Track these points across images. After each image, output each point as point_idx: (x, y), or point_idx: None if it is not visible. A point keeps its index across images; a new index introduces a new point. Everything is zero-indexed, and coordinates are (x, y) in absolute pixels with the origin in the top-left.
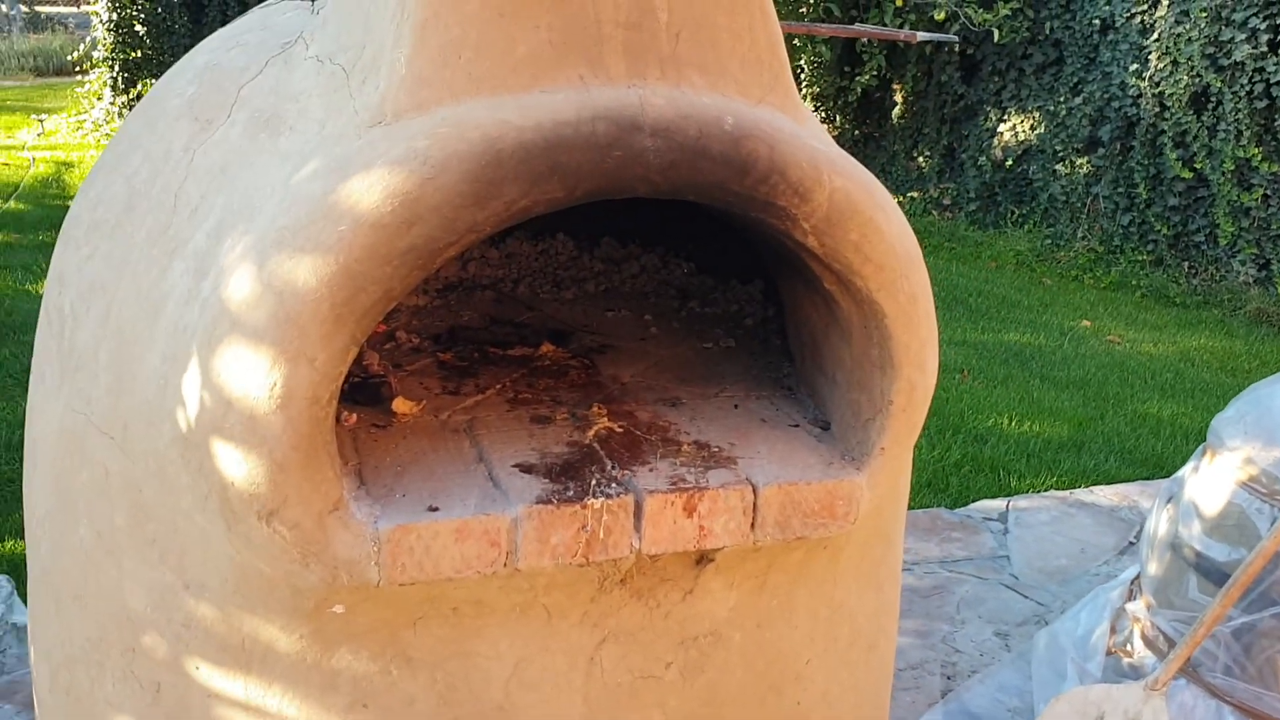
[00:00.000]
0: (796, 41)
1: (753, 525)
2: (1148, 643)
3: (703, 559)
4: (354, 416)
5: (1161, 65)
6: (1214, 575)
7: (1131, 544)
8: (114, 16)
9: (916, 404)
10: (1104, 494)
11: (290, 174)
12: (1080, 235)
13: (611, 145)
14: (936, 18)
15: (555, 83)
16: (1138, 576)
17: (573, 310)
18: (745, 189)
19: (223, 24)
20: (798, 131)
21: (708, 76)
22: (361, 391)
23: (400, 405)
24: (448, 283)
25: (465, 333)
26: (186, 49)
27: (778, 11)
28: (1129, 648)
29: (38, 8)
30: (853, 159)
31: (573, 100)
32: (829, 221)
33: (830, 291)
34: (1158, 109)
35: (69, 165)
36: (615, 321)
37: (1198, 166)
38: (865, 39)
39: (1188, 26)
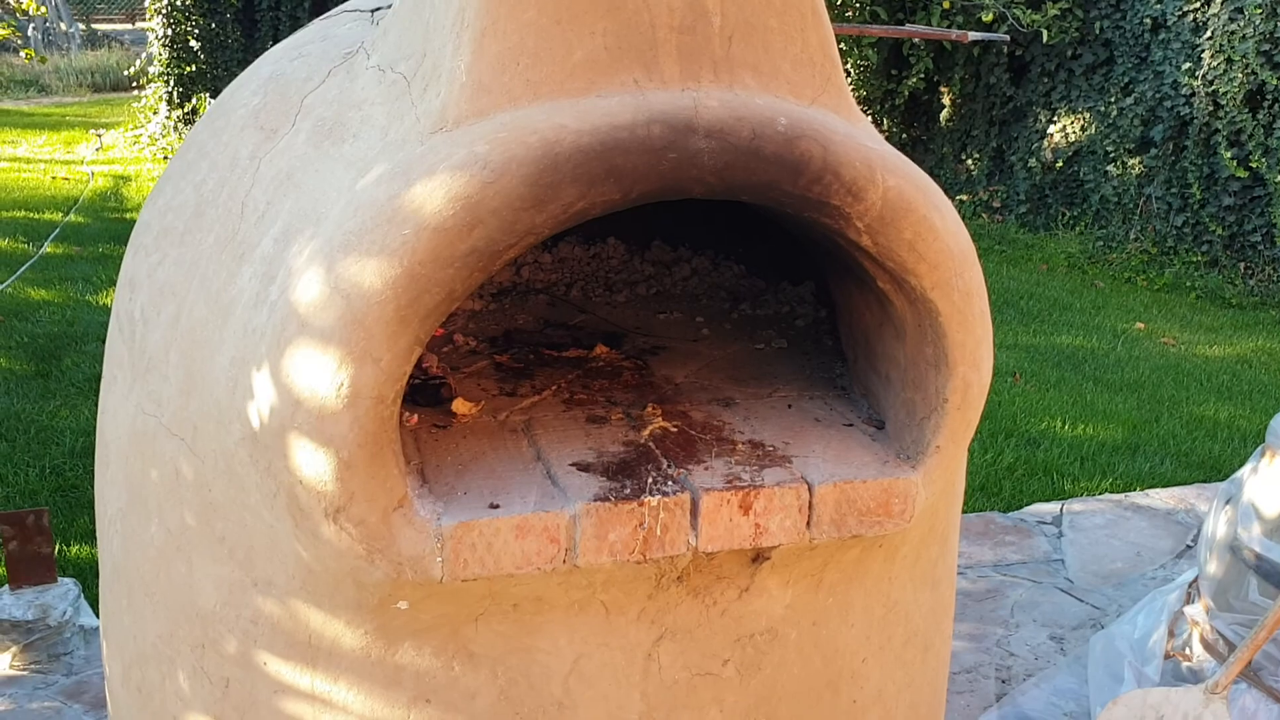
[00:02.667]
0: (843, 45)
1: (808, 523)
2: (1207, 646)
3: (759, 557)
4: (415, 417)
5: (1215, 63)
6: (1275, 577)
7: (1189, 547)
8: (169, 32)
9: (971, 402)
10: (1160, 497)
11: (355, 180)
12: (1133, 236)
13: (666, 147)
14: (984, 19)
15: (610, 87)
16: (1195, 579)
17: (625, 313)
18: (799, 189)
19: (275, 38)
20: (851, 131)
21: (761, 78)
22: (422, 393)
23: (460, 406)
24: (502, 287)
25: (520, 335)
26: (240, 63)
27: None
28: (1187, 651)
29: (95, 25)
30: (906, 158)
31: (628, 104)
32: (882, 220)
33: (884, 290)
34: (1212, 107)
35: (126, 179)
36: (667, 323)
37: (1253, 165)
38: (913, 41)
39: (1242, 23)
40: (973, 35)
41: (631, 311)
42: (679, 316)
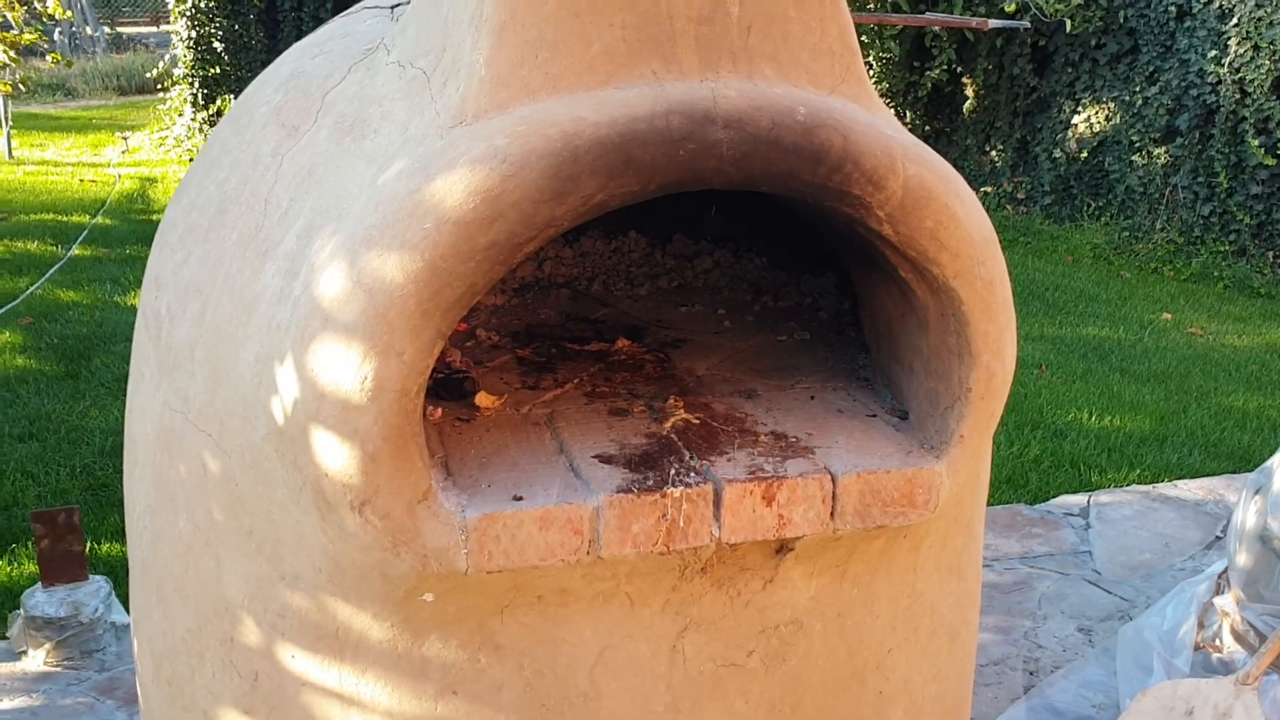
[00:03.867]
0: (864, 37)
1: (832, 514)
2: (1237, 637)
3: (782, 548)
4: (439, 411)
5: (1242, 50)
6: None
7: (1218, 538)
8: (193, 35)
9: (995, 391)
10: (1188, 488)
11: (376, 175)
12: (1159, 227)
13: (685, 138)
14: (1007, 9)
15: (629, 78)
16: (1225, 570)
17: (646, 306)
18: (819, 178)
19: (298, 39)
20: (871, 120)
21: (779, 68)
22: (445, 387)
23: (483, 399)
24: (524, 282)
25: (543, 329)
26: (263, 64)
27: (848, 4)
28: (1218, 642)
29: (120, 28)
30: (927, 147)
31: (646, 95)
32: (904, 209)
33: (906, 280)
34: (1239, 95)
35: (152, 180)
36: (689, 316)
37: None
38: (935, 31)
39: (1269, 9)
40: (993, 23)
41: (653, 305)
42: (701, 309)
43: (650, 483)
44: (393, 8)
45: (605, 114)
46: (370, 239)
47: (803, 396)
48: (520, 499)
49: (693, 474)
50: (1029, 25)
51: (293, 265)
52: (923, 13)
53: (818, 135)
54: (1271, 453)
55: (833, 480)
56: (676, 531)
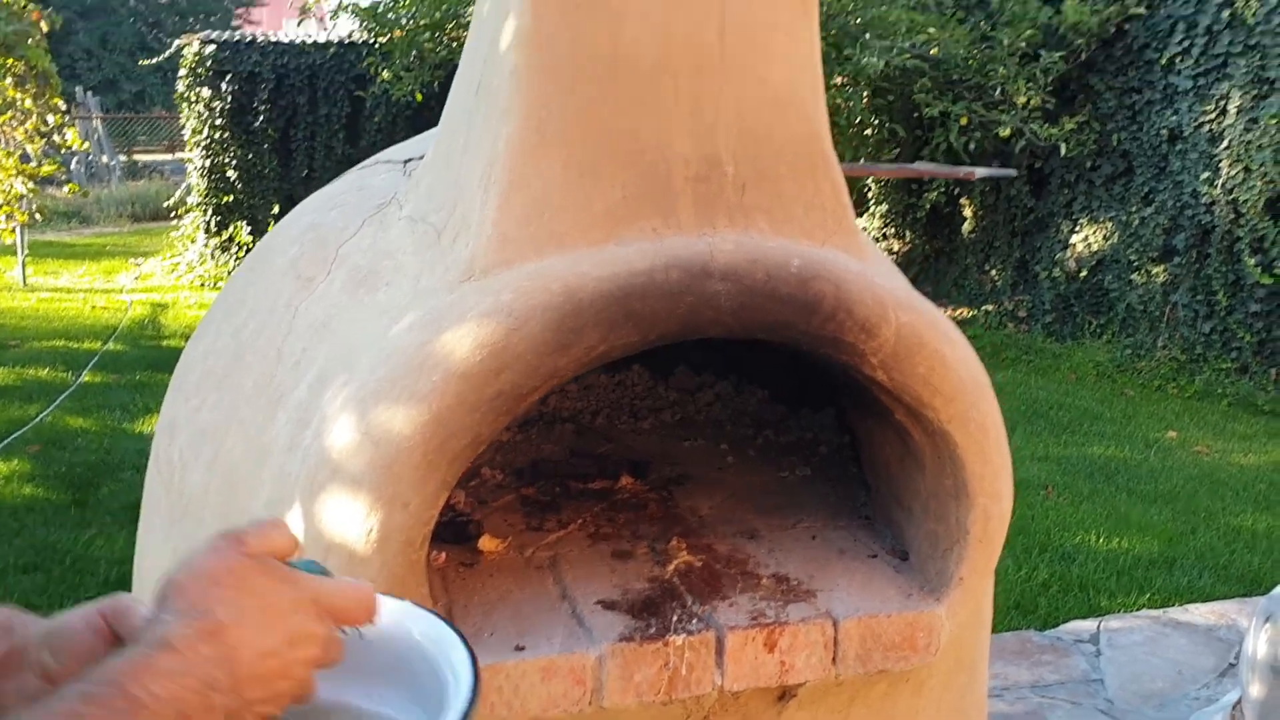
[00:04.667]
0: (862, 160)
1: (834, 659)
2: None
3: (785, 694)
4: (443, 556)
5: (1234, 172)
6: None
7: (1232, 665)
8: (207, 163)
9: (993, 533)
10: (1200, 612)
11: (387, 327)
12: (1161, 344)
13: (684, 291)
14: (1001, 134)
15: (630, 234)
16: (1239, 701)
17: (650, 440)
18: (813, 327)
19: (310, 168)
20: (863, 270)
21: (774, 222)
22: (449, 530)
23: (486, 543)
24: (529, 417)
25: (547, 466)
26: (275, 192)
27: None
28: None
29: (136, 156)
30: (917, 294)
31: (646, 250)
32: (896, 356)
33: (902, 423)
34: (1233, 215)
35: (164, 306)
36: (692, 451)
37: (1278, 272)
38: (933, 157)
39: (1257, 134)
40: (980, 172)
41: (656, 439)
42: (703, 444)
43: (653, 630)
44: (405, 162)
45: (607, 269)
46: (380, 391)
47: (804, 536)
48: (522, 649)
49: (695, 620)
50: (1014, 173)
51: (304, 414)
52: (919, 141)
53: (811, 286)
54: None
55: (834, 625)
56: (679, 680)
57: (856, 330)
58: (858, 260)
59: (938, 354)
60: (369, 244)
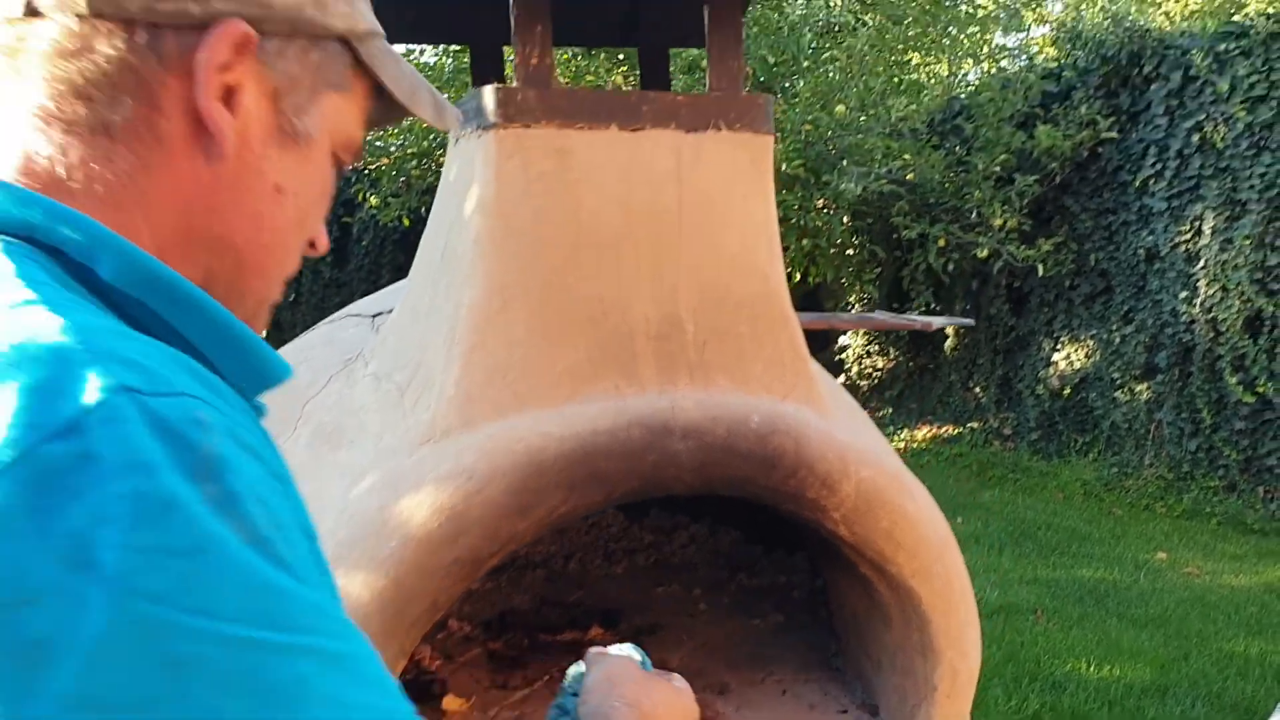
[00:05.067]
0: (844, 280)
1: None
2: None
3: None
4: None
5: (1211, 291)
6: None
7: None
8: None
9: (960, 689)
10: None
11: (348, 487)
12: (1147, 462)
13: (646, 449)
14: (979, 255)
15: (593, 392)
16: None
17: (623, 585)
18: (774, 483)
19: (297, 293)
20: (823, 425)
21: (734, 379)
22: (413, 689)
23: (450, 703)
24: (500, 563)
25: (516, 618)
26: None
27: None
28: None
29: None
30: (878, 447)
31: (609, 409)
32: (858, 511)
33: (866, 576)
34: (1213, 334)
35: None
36: (665, 597)
37: (1260, 390)
38: (914, 275)
39: (1233, 254)
40: (937, 322)
41: (630, 584)
42: (677, 589)
43: None
44: (374, 317)
45: (570, 428)
46: (339, 555)
47: (774, 691)
48: None
49: None
50: (972, 322)
51: None
52: (899, 262)
53: (771, 441)
54: (1276, 703)
55: None
56: None
57: (818, 486)
58: (818, 414)
59: (899, 509)
60: (334, 401)
